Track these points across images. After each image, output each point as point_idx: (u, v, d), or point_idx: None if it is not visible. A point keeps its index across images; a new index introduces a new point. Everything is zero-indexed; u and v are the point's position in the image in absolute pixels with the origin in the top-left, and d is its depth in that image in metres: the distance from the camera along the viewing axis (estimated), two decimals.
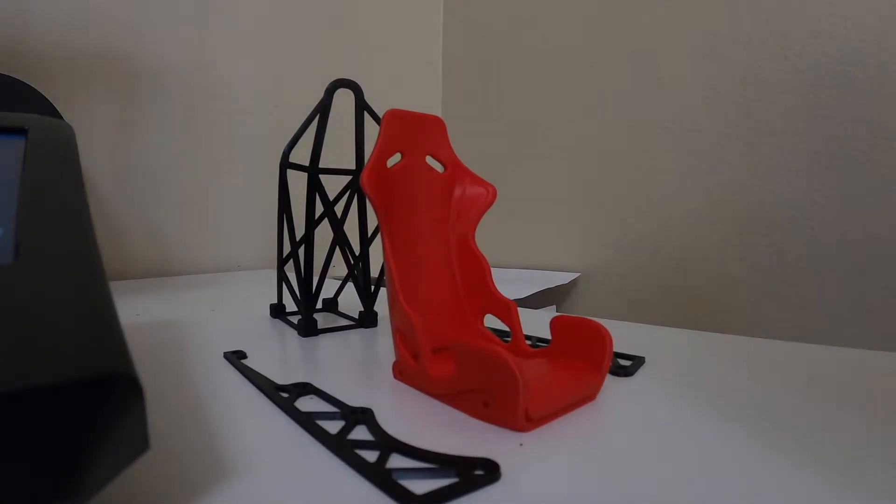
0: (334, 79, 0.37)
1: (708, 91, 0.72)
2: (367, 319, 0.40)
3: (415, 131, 0.31)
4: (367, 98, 0.38)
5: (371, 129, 0.38)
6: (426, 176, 0.31)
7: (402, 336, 0.28)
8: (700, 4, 0.72)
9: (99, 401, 0.13)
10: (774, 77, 0.67)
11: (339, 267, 0.83)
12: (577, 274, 0.86)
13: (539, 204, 0.92)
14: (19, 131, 0.26)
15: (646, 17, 0.78)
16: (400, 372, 0.28)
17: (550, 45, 0.89)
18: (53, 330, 0.14)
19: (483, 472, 0.18)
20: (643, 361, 0.32)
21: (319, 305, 0.43)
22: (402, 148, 0.30)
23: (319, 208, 0.38)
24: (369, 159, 0.28)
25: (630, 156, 0.80)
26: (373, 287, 0.41)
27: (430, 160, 0.32)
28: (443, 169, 0.32)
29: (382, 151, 0.29)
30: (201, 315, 0.45)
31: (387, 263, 0.28)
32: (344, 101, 0.39)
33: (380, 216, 0.28)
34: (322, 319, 0.42)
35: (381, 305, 0.41)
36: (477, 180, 0.32)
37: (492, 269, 0.32)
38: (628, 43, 0.80)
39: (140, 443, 0.15)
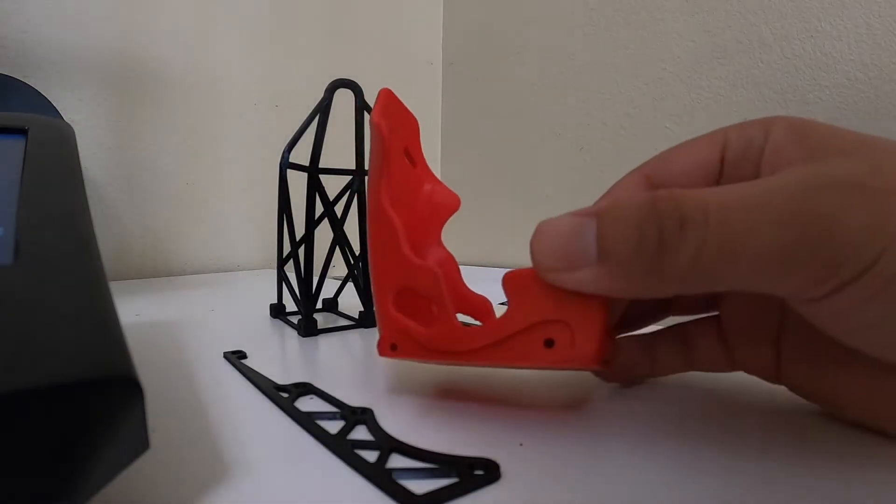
0: (334, 78, 0.37)
1: (709, 92, 0.72)
2: (367, 319, 0.40)
3: (400, 118, 0.28)
4: (367, 98, 0.38)
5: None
6: (403, 163, 0.28)
7: (399, 298, 0.24)
8: (699, 5, 0.72)
9: (99, 401, 0.13)
10: (774, 78, 0.67)
11: (338, 267, 0.83)
12: None
13: (538, 203, 0.92)
14: (19, 131, 0.26)
15: (646, 17, 0.78)
16: (394, 346, 0.24)
17: (550, 45, 0.89)
18: (54, 330, 0.14)
19: (483, 471, 0.18)
20: None
21: (319, 305, 0.43)
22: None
23: (319, 208, 0.38)
24: (376, 105, 0.25)
25: (630, 156, 0.80)
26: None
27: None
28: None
29: (387, 106, 0.26)
30: (201, 315, 0.45)
31: (378, 210, 0.24)
32: (344, 101, 0.39)
33: (383, 160, 0.24)
34: (322, 319, 0.42)
35: None
36: (442, 187, 0.30)
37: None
38: (628, 44, 0.80)
39: (140, 443, 0.15)
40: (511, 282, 0.21)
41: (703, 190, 0.16)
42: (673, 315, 0.27)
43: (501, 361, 0.21)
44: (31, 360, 0.13)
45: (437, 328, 0.23)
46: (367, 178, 0.27)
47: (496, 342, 0.21)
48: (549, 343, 0.20)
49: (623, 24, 0.80)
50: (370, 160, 0.25)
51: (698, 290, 0.17)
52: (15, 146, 0.25)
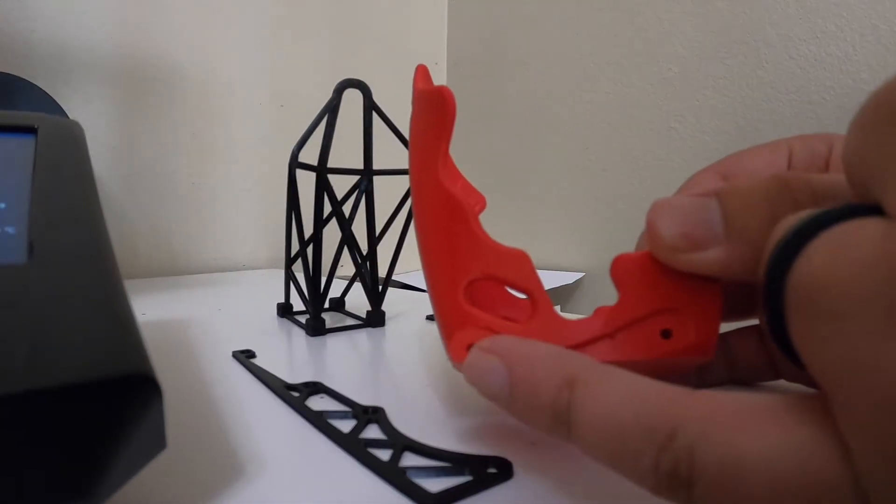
0: (340, 78, 0.37)
1: (713, 92, 0.72)
2: (375, 319, 0.40)
3: None
4: (374, 98, 0.38)
5: (378, 129, 0.38)
6: None
7: (479, 290, 0.21)
8: (705, 6, 0.72)
9: (117, 400, 0.13)
10: (779, 78, 0.67)
11: (346, 266, 0.83)
12: (582, 274, 0.86)
13: (543, 203, 0.92)
14: (29, 130, 0.26)
15: (651, 17, 0.78)
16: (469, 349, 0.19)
17: (555, 45, 0.89)
18: (70, 329, 0.14)
19: (496, 470, 0.18)
20: None
21: (326, 305, 0.43)
22: None
23: (327, 208, 0.38)
24: (420, 76, 0.23)
25: (635, 155, 0.80)
26: (380, 287, 0.41)
27: None
28: None
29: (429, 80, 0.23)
30: (208, 314, 0.45)
31: (436, 190, 0.21)
32: (351, 101, 0.39)
33: (442, 133, 0.21)
34: (329, 319, 0.42)
35: (388, 305, 0.41)
36: (468, 185, 0.27)
37: None
38: (633, 43, 0.80)
39: (157, 442, 0.15)
40: (622, 266, 0.19)
41: (822, 175, 0.16)
42: None
43: (613, 357, 0.19)
44: (48, 360, 0.13)
45: (535, 321, 0.20)
46: (409, 155, 0.23)
47: (608, 334, 0.19)
48: (665, 333, 0.19)
49: (628, 25, 0.80)
50: (415, 135, 0.22)
51: None
52: (25, 145, 0.25)
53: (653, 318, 0.19)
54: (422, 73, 0.23)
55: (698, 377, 0.25)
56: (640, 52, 0.79)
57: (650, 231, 0.18)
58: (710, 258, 0.17)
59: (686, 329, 0.18)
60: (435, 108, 0.21)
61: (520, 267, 0.20)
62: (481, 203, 0.26)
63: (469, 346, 0.19)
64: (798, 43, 0.65)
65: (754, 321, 0.24)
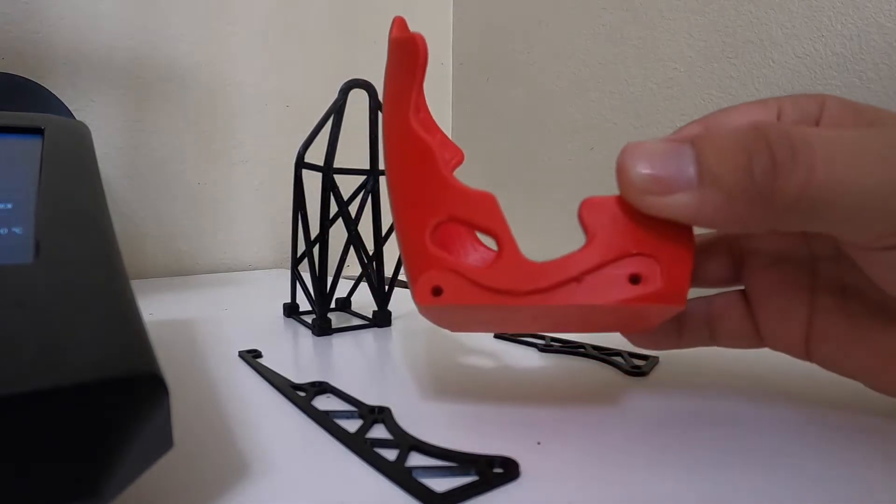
0: (346, 79, 0.37)
1: (720, 91, 0.72)
2: (381, 319, 0.40)
3: None
4: (379, 98, 0.38)
5: None
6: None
7: (444, 231, 0.21)
8: (710, 5, 0.72)
9: (124, 400, 0.13)
10: (785, 77, 0.66)
11: (352, 267, 0.83)
12: None
13: (549, 203, 0.92)
14: (36, 131, 0.27)
15: (656, 16, 0.77)
16: (439, 290, 0.19)
17: (559, 45, 0.89)
18: (77, 329, 0.14)
19: (502, 470, 0.18)
20: (657, 361, 0.32)
21: (332, 305, 0.43)
22: None
23: (334, 208, 0.38)
24: (396, 26, 0.23)
25: None
26: (387, 286, 0.41)
27: None
28: None
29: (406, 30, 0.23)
30: (214, 314, 0.45)
31: (406, 134, 0.20)
32: (357, 101, 0.39)
33: (415, 78, 0.21)
34: (335, 319, 0.42)
35: (395, 305, 0.41)
36: (447, 139, 0.26)
37: None
38: (638, 43, 0.80)
39: (164, 441, 0.15)
40: (591, 209, 0.19)
41: (803, 127, 0.16)
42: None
43: (580, 300, 0.18)
44: (54, 359, 0.13)
45: (500, 263, 0.19)
46: (382, 100, 0.23)
47: (574, 278, 0.18)
48: (634, 279, 0.18)
49: (633, 24, 0.80)
50: (388, 83, 0.22)
51: (794, 226, 0.17)
52: (32, 146, 0.25)
53: (621, 263, 0.18)
54: (398, 23, 0.23)
55: (677, 338, 0.25)
56: (646, 51, 0.79)
57: (620, 172, 0.18)
58: (681, 202, 0.17)
59: (655, 275, 0.18)
60: (407, 54, 0.21)
61: (487, 208, 0.19)
62: (458, 156, 0.25)
63: (434, 289, 0.19)
64: (804, 41, 0.65)
65: (741, 287, 0.24)
